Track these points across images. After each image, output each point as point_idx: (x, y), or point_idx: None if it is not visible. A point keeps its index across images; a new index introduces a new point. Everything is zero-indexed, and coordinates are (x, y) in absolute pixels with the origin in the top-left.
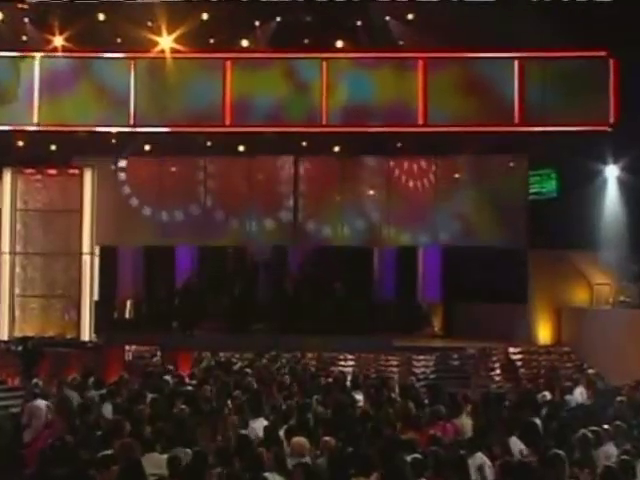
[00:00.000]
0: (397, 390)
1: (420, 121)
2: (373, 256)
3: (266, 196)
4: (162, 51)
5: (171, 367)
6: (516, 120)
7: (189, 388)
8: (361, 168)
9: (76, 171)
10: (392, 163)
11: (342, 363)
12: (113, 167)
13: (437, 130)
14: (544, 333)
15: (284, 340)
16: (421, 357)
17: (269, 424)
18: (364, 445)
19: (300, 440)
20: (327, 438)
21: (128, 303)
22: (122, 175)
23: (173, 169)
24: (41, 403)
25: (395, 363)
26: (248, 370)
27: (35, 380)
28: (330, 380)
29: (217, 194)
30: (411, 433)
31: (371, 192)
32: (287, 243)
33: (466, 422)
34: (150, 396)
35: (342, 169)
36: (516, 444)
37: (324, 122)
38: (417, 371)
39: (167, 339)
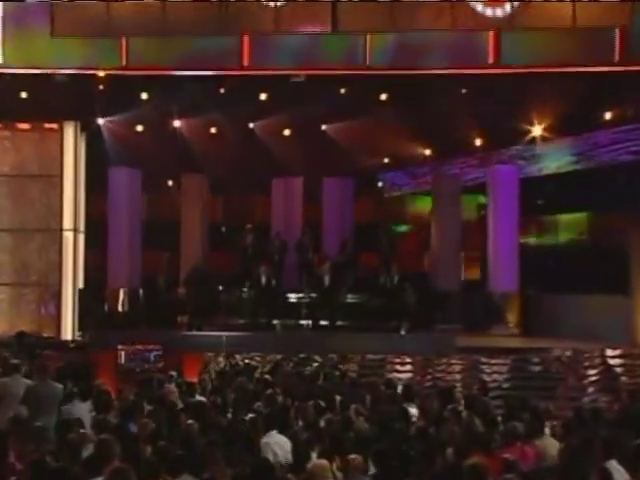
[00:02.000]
0: (462, 402)
1: (491, 60)
2: (430, 232)
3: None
4: None
5: (175, 372)
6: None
7: (198, 398)
8: None
9: (54, 126)
10: None
11: (391, 368)
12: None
13: (511, 71)
14: None
15: (317, 339)
16: (492, 361)
17: (299, 445)
18: (417, 471)
19: (322, 463)
20: (353, 456)
21: (121, 293)
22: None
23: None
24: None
25: (459, 368)
26: (267, 377)
27: None
28: (375, 389)
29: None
30: (479, 457)
31: None
32: None
33: (550, 444)
34: (149, 408)
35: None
36: (618, 471)
37: (368, 63)
38: (487, 379)
39: (170, 338)
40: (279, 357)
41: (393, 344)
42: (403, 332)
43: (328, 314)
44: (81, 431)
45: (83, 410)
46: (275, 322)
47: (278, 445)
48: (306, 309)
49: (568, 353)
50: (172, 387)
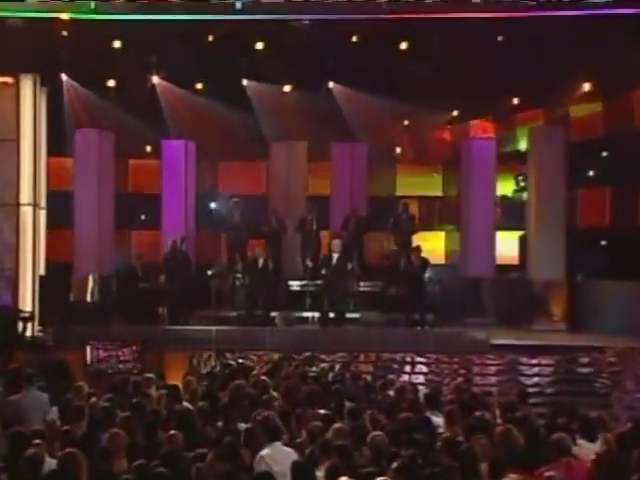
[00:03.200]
0: (497, 410)
1: None
2: (461, 206)
3: None
4: None
5: (155, 374)
6: None
7: (184, 405)
8: None
9: (9, 80)
10: None
11: (412, 369)
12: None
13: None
14: None
15: (324, 335)
16: (533, 361)
17: (302, 459)
18: None
19: None
20: None
21: (91, 280)
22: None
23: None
24: None
25: (493, 370)
26: (265, 379)
27: None
28: (392, 394)
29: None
30: (518, 475)
31: None
32: None
33: None
34: (123, 417)
35: None
36: None
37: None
38: (527, 382)
39: (150, 333)
40: (279, 356)
41: (414, 341)
42: (426, 327)
43: (337, 305)
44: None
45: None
46: (274, 314)
47: (275, 460)
48: (311, 299)
49: (624, 352)
50: (152, 391)
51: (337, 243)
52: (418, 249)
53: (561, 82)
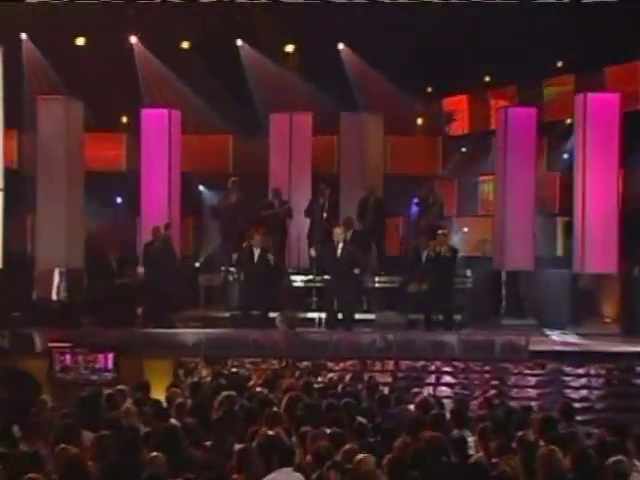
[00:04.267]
0: (536, 427)
1: None
2: (495, 188)
3: None
4: None
5: (133, 386)
6: None
7: (168, 422)
8: None
9: None
10: None
11: (437, 380)
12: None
13: None
14: None
15: (333, 339)
16: (580, 370)
17: None
18: None
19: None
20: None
21: (56, 275)
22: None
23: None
24: None
25: (533, 381)
26: (263, 391)
27: None
28: (413, 408)
29: None
30: None
31: None
32: None
33: None
34: (95, 436)
35: None
36: None
37: None
38: (573, 395)
39: (127, 338)
40: (279, 364)
41: (440, 346)
42: (454, 329)
43: (347, 304)
44: None
45: None
46: (274, 315)
47: None
48: (317, 297)
49: None
50: (129, 406)
51: (339, 232)
52: (445, 238)
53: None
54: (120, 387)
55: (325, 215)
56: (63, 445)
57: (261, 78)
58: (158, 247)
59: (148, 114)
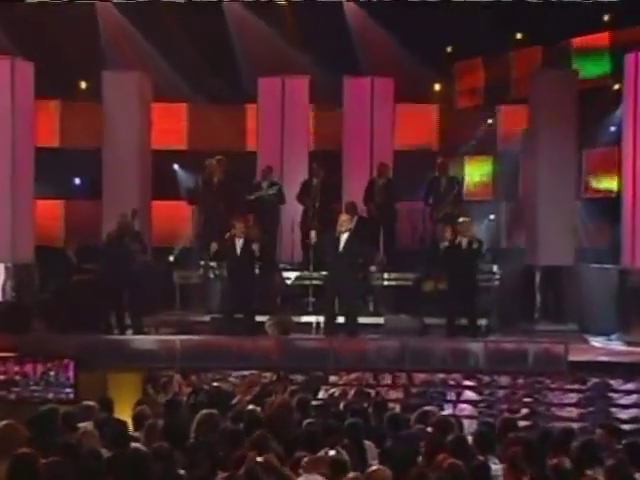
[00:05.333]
0: (576, 454)
1: None
2: (525, 169)
3: None
4: None
5: (94, 403)
6: None
7: (135, 446)
8: None
9: None
10: None
11: (457, 396)
12: None
13: None
14: None
15: (333, 347)
16: (629, 385)
17: None
18: None
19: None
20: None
21: (2, 271)
22: None
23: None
24: None
25: (573, 397)
26: (252, 408)
27: None
28: (430, 430)
29: None
30: None
31: None
32: None
33: None
34: (47, 461)
35: None
36: None
37: None
38: (621, 415)
39: (88, 346)
40: (270, 377)
41: (462, 356)
42: (479, 336)
43: (350, 306)
44: None
45: None
46: (263, 319)
47: None
48: (315, 297)
49: None
50: (90, 427)
51: (345, 220)
52: (467, 227)
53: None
54: (85, 403)
55: (320, 200)
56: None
57: (248, 39)
58: (124, 238)
59: (111, 78)
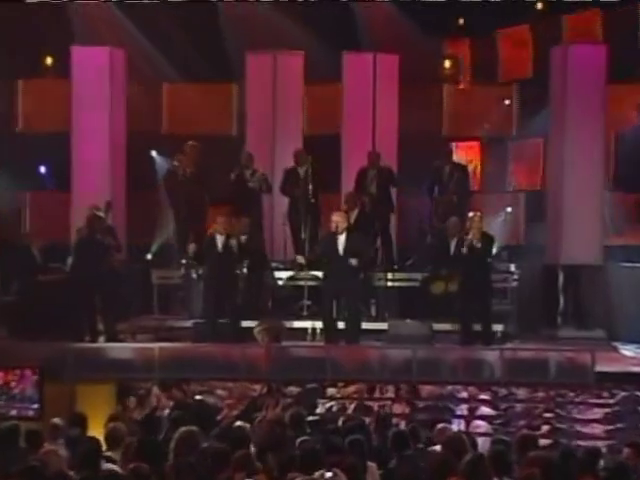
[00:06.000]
0: (603, 476)
1: None
2: (545, 156)
3: None
4: None
5: (59, 421)
6: None
7: (108, 467)
8: None
9: None
10: None
11: (470, 411)
12: None
13: None
14: None
15: (330, 356)
16: None
17: None
18: None
19: None
20: None
21: None
22: None
23: None
24: None
25: (600, 413)
26: (240, 425)
27: None
28: (439, 449)
29: None
30: None
31: None
32: None
33: None
34: None
35: None
36: None
37: None
38: None
39: (55, 355)
40: (260, 390)
41: (475, 366)
42: (494, 343)
43: (350, 310)
44: None
45: None
46: (251, 325)
47: None
48: (310, 300)
49: None
50: (57, 447)
51: (340, 217)
52: (479, 221)
53: None
54: (52, 421)
55: (311, 191)
56: None
57: (236, 10)
58: (95, 233)
59: (81, 54)
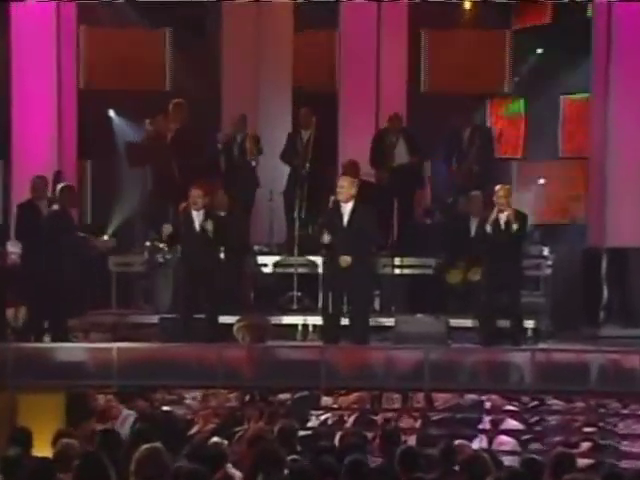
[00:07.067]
0: None
1: None
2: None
3: None
4: None
5: None
6: None
7: None
8: None
9: None
10: None
11: (494, 424)
12: None
13: None
14: None
15: (325, 360)
16: None
17: None
18: None
19: None
20: None
21: None
22: None
23: None
24: None
25: None
26: (217, 441)
27: None
28: (457, 469)
29: None
30: None
31: None
32: None
33: None
34: None
35: None
36: None
37: None
38: None
39: None
40: (240, 399)
41: (501, 370)
42: (524, 344)
43: (353, 303)
44: None
45: None
46: (231, 321)
47: None
48: (301, 291)
49: None
50: None
51: (347, 182)
52: (506, 196)
53: None
54: None
55: (311, 160)
56: None
57: None
58: (43, 211)
59: (20, 6)
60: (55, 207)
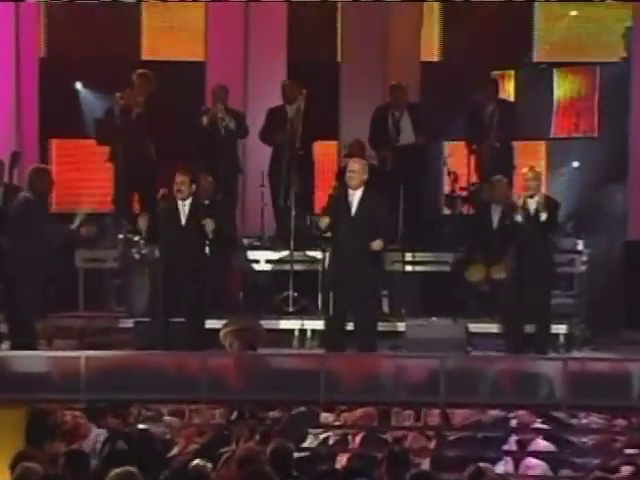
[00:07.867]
0: None
1: None
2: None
3: None
4: None
5: None
6: None
7: None
8: None
9: None
10: None
11: (519, 446)
12: None
13: None
14: None
15: (328, 369)
16: None
17: None
18: None
19: None
20: None
21: None
22: None
23: None
24: None
25: None
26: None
27: None
28: None
29: None
30: None
31: None
32: None
33: None
34: None
35: None
36: None
37: None
38: None
39: None
40: (227, 415)
41: (528, 381)
42: (555, 351)
43: (358, 305)
44: None
45: None
46: (217, 326)
47: None
48: (297, 291)
49: None
50: None
51: (359, 165)
52: (535, 181)
53: None
54: None
55: (301, 139)
56: None
57: None
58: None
59: None
60: (26, 194)
